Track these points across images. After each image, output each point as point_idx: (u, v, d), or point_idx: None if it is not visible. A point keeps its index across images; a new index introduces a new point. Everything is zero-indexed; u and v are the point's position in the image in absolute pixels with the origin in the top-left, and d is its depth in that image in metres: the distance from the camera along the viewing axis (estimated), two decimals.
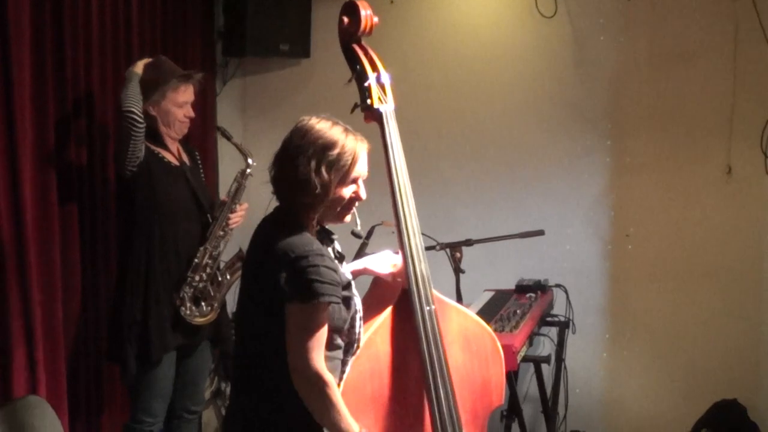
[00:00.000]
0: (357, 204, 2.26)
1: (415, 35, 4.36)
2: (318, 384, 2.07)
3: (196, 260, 3.25)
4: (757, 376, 4.01)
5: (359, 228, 2.45)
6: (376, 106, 2.35)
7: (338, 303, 2.13)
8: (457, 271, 3.31)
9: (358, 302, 2.24)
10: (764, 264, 3.98)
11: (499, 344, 2.55)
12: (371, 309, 2.34)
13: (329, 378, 2.09)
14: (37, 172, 3.04)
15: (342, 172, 2.15)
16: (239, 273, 3.09)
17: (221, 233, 3.33)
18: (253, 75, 4.63)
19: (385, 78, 2.40)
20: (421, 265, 2.32)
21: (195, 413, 3.51)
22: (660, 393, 4.16)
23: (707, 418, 3.90)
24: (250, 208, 3.39)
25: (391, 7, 4.31)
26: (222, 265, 3.39)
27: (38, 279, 3.01)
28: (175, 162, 3.29)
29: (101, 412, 3.49)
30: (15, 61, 2.90)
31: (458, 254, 3.33)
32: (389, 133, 2.35)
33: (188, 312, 3.22)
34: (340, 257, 2.33)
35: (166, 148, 3.27)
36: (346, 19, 2.42)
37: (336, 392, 2.10)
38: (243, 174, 3.40)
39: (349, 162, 2.15)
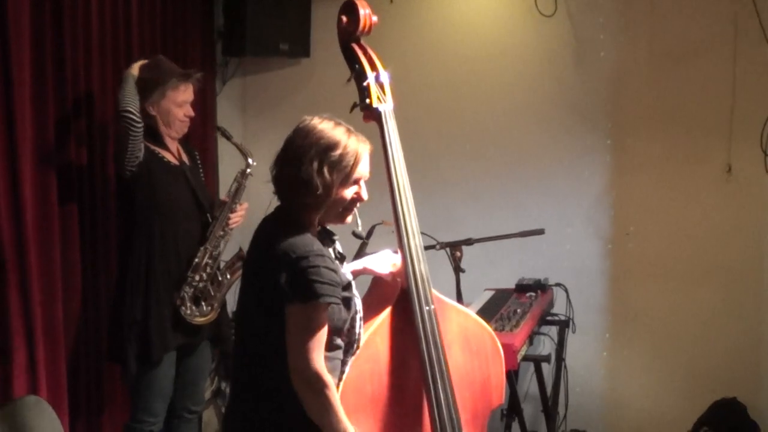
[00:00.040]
0: (358, 205, 2.26)
1: (414, 35, 4.36)
2: (317, 385, 2.07)
3: (196, 260, 3.25)
4: (757, 375, 4.01)
5: (360, 229, 2.46)
6: (375, 105, 2.36)
7: (338, 304, 2.12)
8: (457, 270, 3.31)
9: (358, 303, 2.24)
10: (764, 263, 3.97)
11: (499, 343, 2.55)
12: (371, 309, 2.34)
13: (328, 379, 2.08)
14: (37, 172, 3.04)
15: (344, 172, 2.15)
16: (239, 273, 3.08)
17: (221, 233, 3.33)
18: (253, 75, 4.63)
19: (384, 77, 2.40)
20: (421, 265, 2.32)
21: (195, 413, 3.51)
22: (660, 392, 4.16)
23: (707, 417, 3.90)
24: (250, 208, 3.39)
25: (391, 6, 4.30)
26: (222, 264, 3.39)
27: (38, 279, 3.01)
28: (175, 162, 3.29)
29: (101, 412, 3.49)
30: (15, 61, 2.90)
31: (458, 253, 3.33)
32: (388, 132, 2.35)
33: (188, 312, 3.23)
34: (341, 258, 2.33)
35: (165, 147, 3.27)
36: (344, 19, 2.42)
37: (334, 394, 2.10)
38: (243, 174, 3.40)
39: (351, 163, 2.15)
